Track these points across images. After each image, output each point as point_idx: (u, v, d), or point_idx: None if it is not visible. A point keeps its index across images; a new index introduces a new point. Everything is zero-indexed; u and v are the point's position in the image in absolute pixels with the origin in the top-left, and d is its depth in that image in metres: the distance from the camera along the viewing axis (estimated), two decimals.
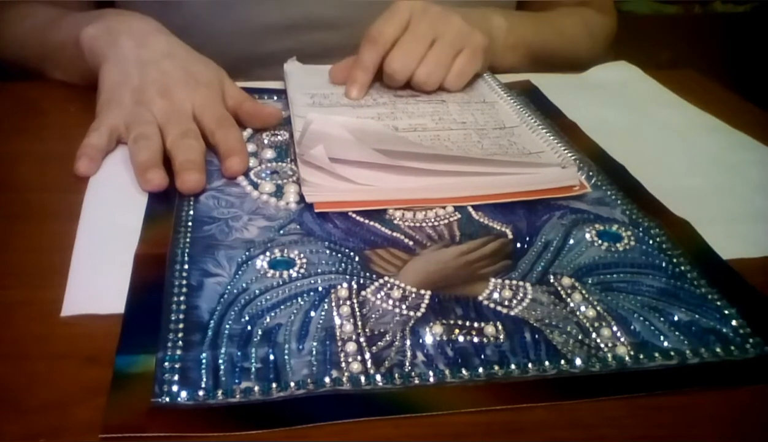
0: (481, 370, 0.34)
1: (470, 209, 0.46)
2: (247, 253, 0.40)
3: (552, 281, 0.40)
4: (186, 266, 0.39)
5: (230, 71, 0.57)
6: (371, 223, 0.44)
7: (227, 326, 0.35)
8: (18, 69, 0.65)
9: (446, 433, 0.31)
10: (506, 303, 0.38)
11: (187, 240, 0.41)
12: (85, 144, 0.48)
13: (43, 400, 0.31)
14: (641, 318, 0.38)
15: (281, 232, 0.43)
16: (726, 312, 0.38)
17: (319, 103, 0.59)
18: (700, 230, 0.45)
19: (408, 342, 0.35)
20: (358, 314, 0.37)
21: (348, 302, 0.37)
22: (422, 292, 0.38)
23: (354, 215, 0.45)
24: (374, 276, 0.39)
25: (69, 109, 0.57)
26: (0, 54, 0.67)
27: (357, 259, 0.41)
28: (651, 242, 0.44)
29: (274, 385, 0.32)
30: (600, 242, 0.44)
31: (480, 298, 0.38)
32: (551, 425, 0.32)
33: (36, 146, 0.53)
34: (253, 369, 0.33)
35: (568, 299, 0.39)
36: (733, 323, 0.38)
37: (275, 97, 0.61)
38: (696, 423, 0.33)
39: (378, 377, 0.33)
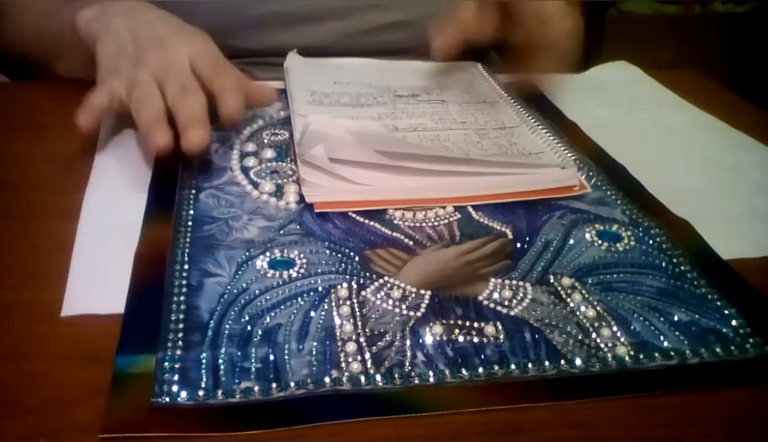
0: (481, 370, 0.34)
1: (470, 209, 0.46)
2: (247, 253, 0.40)
3: (552, 281, 0.40)
4: (186, 266, 0.39)
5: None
6: (371, 223, 0.44)
7: (227, 326, 0.35)
8: (21, 61, 0.65)
9: (446, 433, 0.31)
10: (506, 303, 0.38)
11: (187, 240, 0.41)
12: (86, 103, 0.49)
13: (43, 400, 0.31)
14: (641, 318, 0.38)
15: (281, 232, 0.43)
16: (726, 312, 0.38)
17: (319, 101, 0.59)
18: (700, 230, 0.45)
19: (408, 342, 0.35)
20: (358, 314, 0.37)
21: (348, 302, 0.37)
22: (422, 292, 0.38)
23: (354, 215, 0.45)
24: (374, 276, 0.39)
25: (69, 109, 0.57)
26: (1, 44, 0.66)
27: (357, 259, 0.41)
28: (651, 242, 0.44)
29: (274, 385, 0.32)
30: (600, 242, 0.44)
31: (480, 298, 0.38)
32: (551, 425, 0.32)
33: (36, 146, 0.53)
34: (253, 369, 0.33)
35: (568, 299, 0.39)
36: (733, 323, 0.38)
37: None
38: (696, 423, 0.33)
39: (378, 377, 0.33)
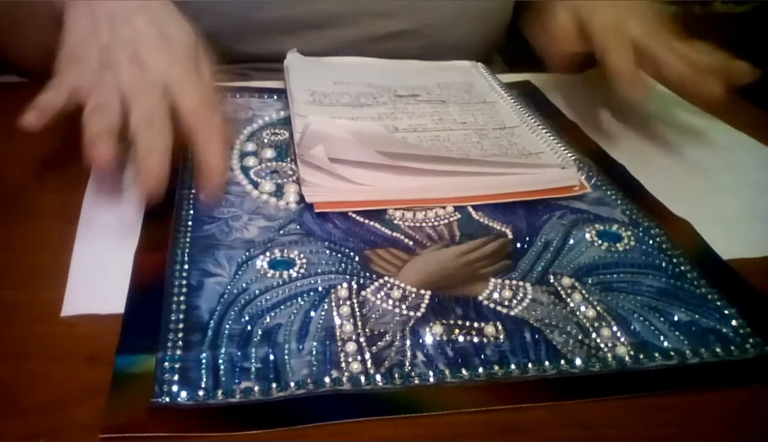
0: (481, 370, 0.34)
1: (470, 209, 0.46)
2: (247, 253, 0.40)
3: (552, 281, 0.40)
4: (186, 266, 0.39)
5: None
6: (371, 223, 0.44)
7: (227, 326, 0.35)
8: None
9: (446, 433, 0.31)
10: (506, 303, 0.38)
11: (187, 240, 0.41)
12: (39, 99, 0.43)
13: (43, 400, 0.31)
14: (641, 318, 0.38)
15: (281, 232, 0.43)
16: (726, 312, 0.38)
17: (319, 101, 0.59)
18: (700, 230, 0.45)
19: (408, 342, 0.35)
20: (358, 314, 0.37)
21: (348, 302, 0.37)
22: (422, 292, 0.38)
23: (354, 215, 0.45)
24: (374, 276, 0.39)
25: (69, 109, 0.57)
26: None
27: (357, 259, 0.41)
28: (651, 242, 0.44)
29: (274, 385, 0.32)
30: (600, 241, 0.44)
31: (480, 298, 0.38)
32: (551, 425, 0.32)
33: (36, 146, 0.52)
34: (253, 369, 0.33)
35: (568, 299, 0.39)
36: (733, 323, 0.38)
37: (275, 97, 0.61)
38: (696, 423, 0.33)
39: (378, 377, 0.33)
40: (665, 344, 0.36)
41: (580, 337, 0.36)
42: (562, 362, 0.35)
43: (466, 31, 0.72)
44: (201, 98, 0.44)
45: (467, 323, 0.37)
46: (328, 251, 0.41)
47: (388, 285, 0.39)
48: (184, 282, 0.38)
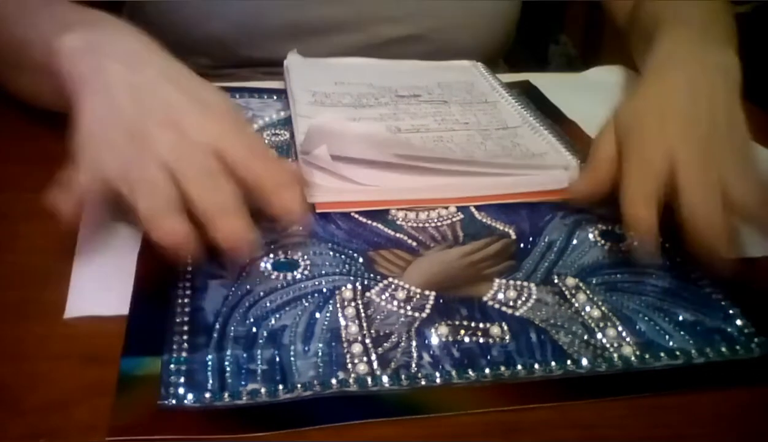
0: (487, 370, 0.34)
1: (473, 210, 0.46)
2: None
3: (556, 281, 0.40)
4: (189, 268, 0.39)
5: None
6: (374, 223, 0.44)
7: (232, 328, 0.35)
8: None
9: (447, 433, 0.31)
10: (511, 303, 0.38)
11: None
12: (68, 183, 0.38)
13: (45, 400, 0.31)
14: (646, 318, 0.38)
15: (284, 233, 0.42)
16: (730, 312, 0.38)
17: (321, 101, 0.58)
18: None
19: (414, 343, 0.35)
20: (363, 315, 0.37)
21: (353, 304, 0.37)
22: (427, 293, 0.38)
23: (357, 216, 0.45)
24: (378, 277, 0.39)
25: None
26: None
27: (361, 260, 0.41)
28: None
29: (280, 387, 0.32)
30: (603, 242, 0.44)
31: (485, 298, 0.38)
32: (551, 425, 0.32)
33: (36, 146, 0.52)
34: (259, 371, 0.33)
35: (573, 300, 0.39)
36: (738, 322, 0.38)
37: (275, 97, 0.61)
38: (698, 423, 0.33)
39: (384, 379, 0.33)
40: (671, 343, 0.36)
41: (585, 337, 0.36)
42: (568, 362, 0.35)
43: (472, 36, 0.72)
44: (252, 149, 0.40)
45: (472, 324, 0.36)
46: (331, 253, 0.41)
47: (393, 286, 0.39)
48: (188, 284, 0.38)
